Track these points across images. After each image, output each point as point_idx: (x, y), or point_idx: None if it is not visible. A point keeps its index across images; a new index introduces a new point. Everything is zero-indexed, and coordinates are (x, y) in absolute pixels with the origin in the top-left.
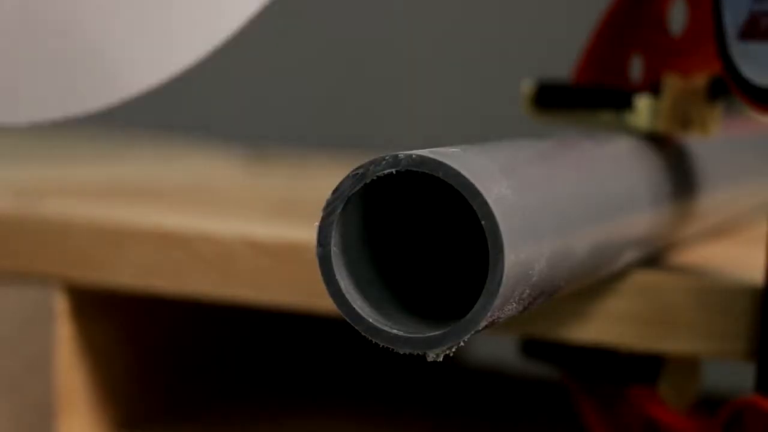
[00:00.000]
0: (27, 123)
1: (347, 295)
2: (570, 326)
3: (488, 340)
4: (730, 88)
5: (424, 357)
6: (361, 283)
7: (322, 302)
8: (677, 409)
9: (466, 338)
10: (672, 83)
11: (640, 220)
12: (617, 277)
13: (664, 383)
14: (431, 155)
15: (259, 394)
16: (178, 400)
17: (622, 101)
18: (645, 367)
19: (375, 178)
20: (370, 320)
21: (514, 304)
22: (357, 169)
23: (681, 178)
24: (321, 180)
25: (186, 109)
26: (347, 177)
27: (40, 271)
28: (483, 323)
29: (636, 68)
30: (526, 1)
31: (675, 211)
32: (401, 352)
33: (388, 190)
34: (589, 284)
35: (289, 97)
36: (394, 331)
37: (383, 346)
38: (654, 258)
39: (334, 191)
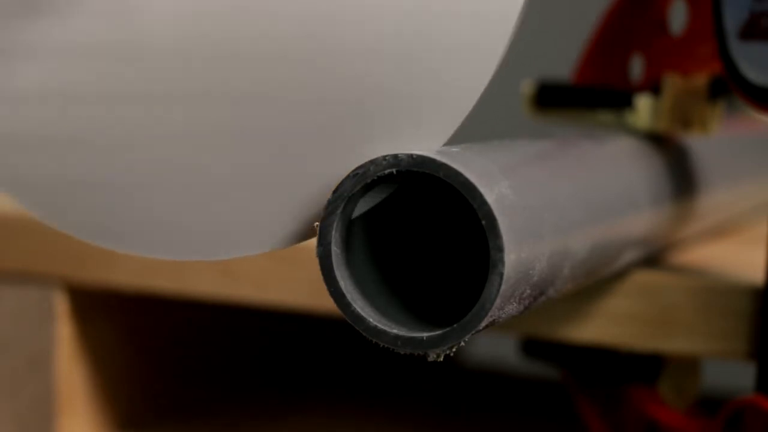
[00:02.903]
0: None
1: (347, 295)
2: (570, 326)
3: (488, 340)
4: (730, 88)
5: (424, 357)
6: (361, 283)
7: (322, 302)
8: (677, 409)
9: (466, 338)
10: (672, 83)
11: (640, 220)
12: (617, 277)
13: (664, 383)
14: (431, 155)
15: (260, 394)
16: (177, 400)
17: (622, 101)
18: (645, 367)
19: (375, 178)
20: (371, 320)
21: (515, 304)
22: (357, 169)
23: (681, 178)
24: None
25: None
26: (347, 177)
27: (40, 271)
28: (483, 323)
29: (636, 68)
30: (526, 1)
31: (675, 211)
32: (402, 352)
33: (388, 190)
34: (589, 284)
35: None
36: (395, 331)
37: (383, 346)
38: (654, 258)
39: (335, 191)
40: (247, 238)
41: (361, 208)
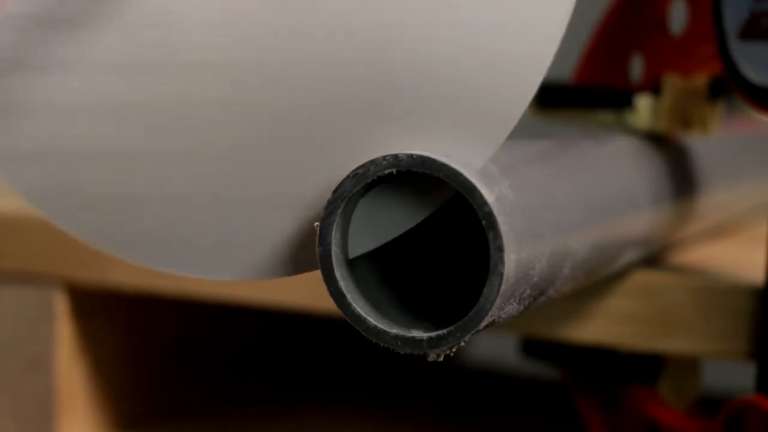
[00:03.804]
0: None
1: (348, 295)
2: (570, 326)
3: (488, 340)
4: (730, 88)
5: (424, 357)
6: (361, 283)
7: (322, 302)
8: (677, 409)
9: (466, 338)
10: (672, 83)
11: (640, 220)
12: (617, 277)
13: (664, 383)
14: (432, 155)
15: (259, 394)
16: (177, 400)
17: (622, 101)
18: (645, 367)
19: (375, 178)
20: (371, 320)
21: (515, 304)
22: (357, 169)
23: (681, 178)
24: None
25: None
26: (347, 177)
27: (40, 271)
28: (483, 323)
29: (636, 68)
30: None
31: (675, 211)
32: (402, 352)
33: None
34: (589, 284)
35: None
36: (395, 332)
37: (383, 346)
38: (654, 258)
39: (335, 191)
40: (248, 245)
41: (363, 244)
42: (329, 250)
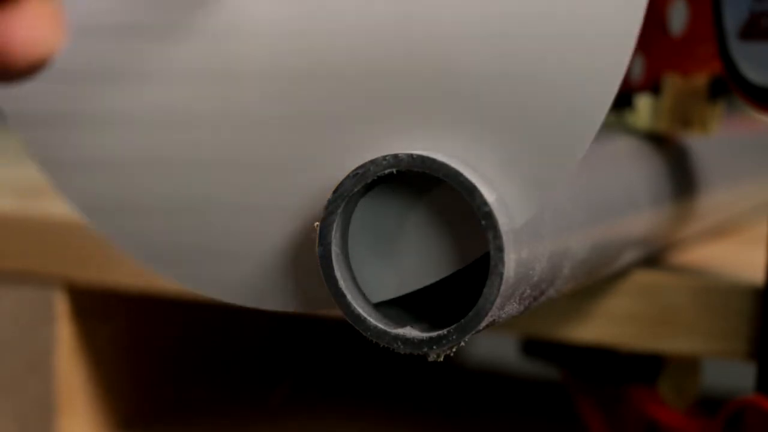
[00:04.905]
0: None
1: (348, 295)
2: (570, 326)
3: (488, 340)
4: (730, 88)
5: (424, 357)
6: None
7: None
8: (677, 409)
9: (466, 338)
10: (672, 83)
11: (640, 220)
12: (617, 277)
13: (664, 383)
14: (431, 155)
15: (259, 394)
16: (177, 400)
17: (622, 101)
18: (645, 367)
19: (375, 178)
20: (371, 320)
21: (515, 304)
22: (357, 168)
23: (681, 178)
24: None
25: None
26: (348, 177)
27: (40, 271)
28: (483, 323)
29: (636, 68)
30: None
31: (675, 211)
32: (402, 352)
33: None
34: (589, 284)
35: None
36: (395, 332)
37: (384, 346)
38: (654, 258)
39: (335, 191)
40: (248, 253)
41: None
42: (329, 250)
